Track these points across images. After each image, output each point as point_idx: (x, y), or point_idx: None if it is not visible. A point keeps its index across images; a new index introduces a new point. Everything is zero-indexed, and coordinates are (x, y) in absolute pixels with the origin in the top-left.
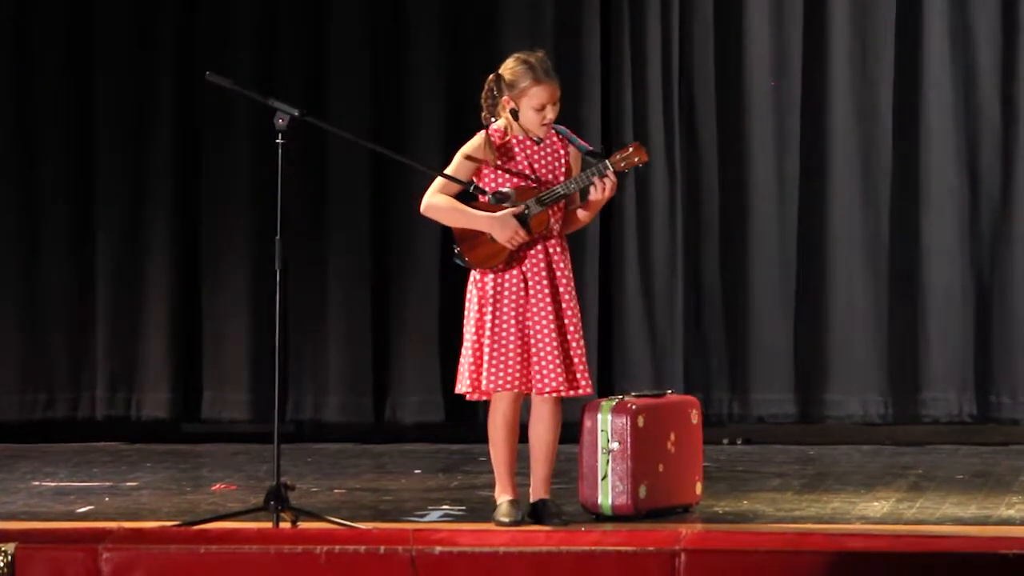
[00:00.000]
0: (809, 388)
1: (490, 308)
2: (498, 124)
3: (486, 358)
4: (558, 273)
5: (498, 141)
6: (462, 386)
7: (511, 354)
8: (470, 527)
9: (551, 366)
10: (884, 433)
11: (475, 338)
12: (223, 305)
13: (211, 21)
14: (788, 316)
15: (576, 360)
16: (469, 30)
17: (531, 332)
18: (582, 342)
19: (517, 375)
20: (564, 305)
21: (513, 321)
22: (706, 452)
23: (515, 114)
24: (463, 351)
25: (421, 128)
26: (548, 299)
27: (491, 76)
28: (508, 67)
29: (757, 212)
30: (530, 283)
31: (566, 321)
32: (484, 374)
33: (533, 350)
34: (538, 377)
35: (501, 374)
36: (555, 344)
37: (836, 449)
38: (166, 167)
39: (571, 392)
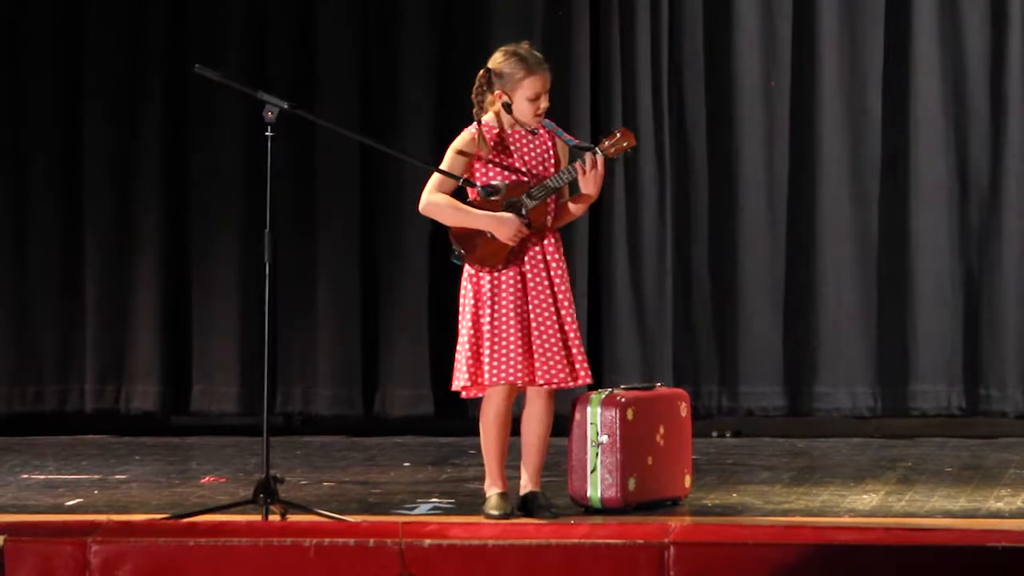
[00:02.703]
0: (798, 381)
1: (488, 305)
2: (487, 119)
3: (487, 353)
4: (554, 266)
5: (489, 135)
6: (459, 382)
7: (513, 348)
8: (459, 520)
9: (555, 359)
10: (873, 426)
11: (472, 334)
12: (212, 298)
13: (200, 18)
14: (777, 309)
15: (575, 351)
16: (459, 26)
17: (533, 326)
18: (579, 332)
19: (519, 368)
20: (561, 297)
21: (513, 316)
22: (695, 445)
23: (508, 107)
24: (459, 348)
25: (409, 127)
26: (548, 292)
27: (481, 72)
28: (498, 61)
29: (746, 206)
30: (529, 278)
31: (563, 313)
32: (486, 368)
33: (536, 344)
34: (543, 371)
35: (504, 367)
36: (557, 337)
37: (825, 442)
38: (155, 162)
39: (572, 383)
